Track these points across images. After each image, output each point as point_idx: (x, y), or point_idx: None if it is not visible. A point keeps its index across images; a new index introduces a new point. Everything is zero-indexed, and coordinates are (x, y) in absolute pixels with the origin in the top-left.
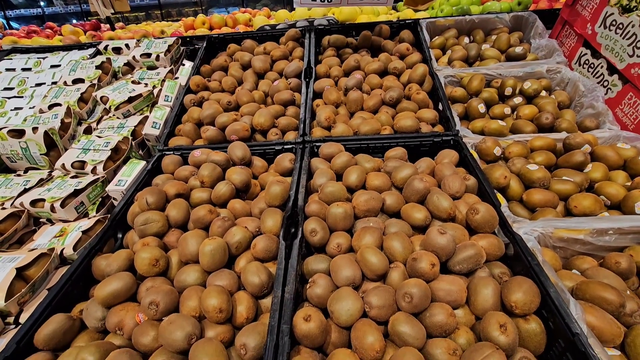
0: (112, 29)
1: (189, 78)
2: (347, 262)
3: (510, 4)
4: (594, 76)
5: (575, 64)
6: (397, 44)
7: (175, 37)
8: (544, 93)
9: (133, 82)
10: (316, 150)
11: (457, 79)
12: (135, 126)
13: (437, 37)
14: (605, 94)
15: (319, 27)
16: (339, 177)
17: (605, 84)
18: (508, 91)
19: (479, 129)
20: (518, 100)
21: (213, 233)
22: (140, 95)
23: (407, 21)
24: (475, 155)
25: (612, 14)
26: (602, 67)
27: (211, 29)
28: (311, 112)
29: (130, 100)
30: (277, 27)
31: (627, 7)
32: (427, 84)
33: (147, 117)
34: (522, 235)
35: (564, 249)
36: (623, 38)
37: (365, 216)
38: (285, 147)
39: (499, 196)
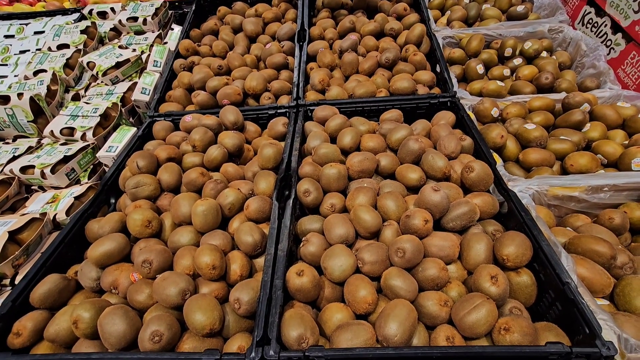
0: None
1: (178, 42)
2: (340, 221)
3: None
4: (597, 36)
5: (579, 23)
6: (394, 4)
7: (163, 0)
8: (544, 54)
9: (120, 47)
10: (310, 114)
11: (456, 40)
12: (124, 92)
13: None
14: (608, 54)
15: None
16: (333, 139)
17: (609, 43)
18: (508, 52)
19: (477, 91)
20: (518, 61)
21: (205, 195)
22: (128, 60)
23: None
24: (473, 116)
25: None
26: (605, 25)
27: None
28: (305, 76)
29: (118, 65)
30: None
31: None
32: (424, 45)
33: (136, 84)
34: (517, 192)
35: (559, 208)
36: None
37: (359, 177)
38: (279, 111)
39: (495, 155)
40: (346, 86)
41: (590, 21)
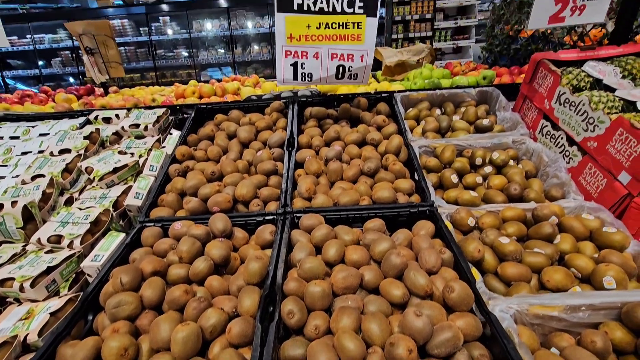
0: (106, 93)
1: (176, 147)
2: (323, 349)
3: (477, 78)
4: (556, 146)
5: (539, 133)
6: (374, 115)
7: (165, 108)
8: (512, 162)
9: (120, 152)
10: (297, 221)
11: (430, 149)
12: (118, 196)
13: (411, 109)
14: (568, 163)
15: (302, 98)
16: (318, 249)
17: (567, 154)
18: (478, 161)
19: (453, 199)
20: (488, 169)
21: (188, 315)
22: (125, 165)
23: (383, 94)
24: (450, 226)
25: (565, 92)
26: (562, 138)
27: (201, 97)
28: (293, 182)
29: (115, 170)
30: (263, 97)
31: (577, 87)
32: (402, 154)
33: (130, 187)
34: (497, 313)
35: (542, 326)
36: (577, 114)
37: (343, 293)
38: (267, 218)
39: (474, 271)
40: (331, 193)
41: (549, 133)
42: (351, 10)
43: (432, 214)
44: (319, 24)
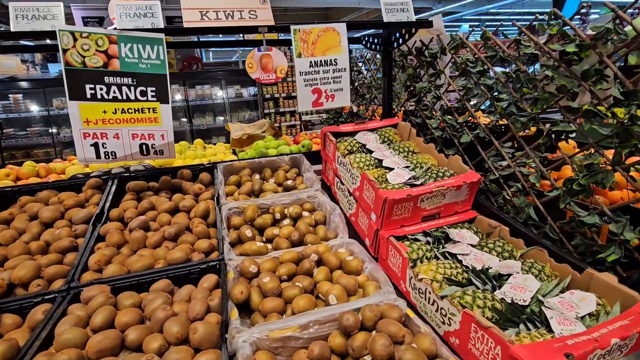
0: None
1: None
2: None
3: (298, 147)
4: (344, 197)
5: (337, 189)
6: (195, 184)
7: None
8: (306, 214)
9: None
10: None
11: (240, 209)
12: None
13: (232, 175)
14: (350, 209)
15: (122, 174)
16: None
17: (350, 202)
18: (277, 215)
19: (246, 251)
20: (286, 222)
21: None
22: None
23: (207, 165)
24: (233, 275)
25: (339, 156)
26: (346, 190)
27: (18, 179)
28: (88, 256)
29: None
30: (91, 175)
31: (351, 151)
32: (212, 216)
33: None
34: (240, 343)
35: (286, 347)
36: (347, 172)
37: (99, 357)
38: (46, 297)
39: (234, 311)
40: (128, 261)
41: (340, 187)
42: (144, 98)
43: (222, 267)
44: (115, 109)
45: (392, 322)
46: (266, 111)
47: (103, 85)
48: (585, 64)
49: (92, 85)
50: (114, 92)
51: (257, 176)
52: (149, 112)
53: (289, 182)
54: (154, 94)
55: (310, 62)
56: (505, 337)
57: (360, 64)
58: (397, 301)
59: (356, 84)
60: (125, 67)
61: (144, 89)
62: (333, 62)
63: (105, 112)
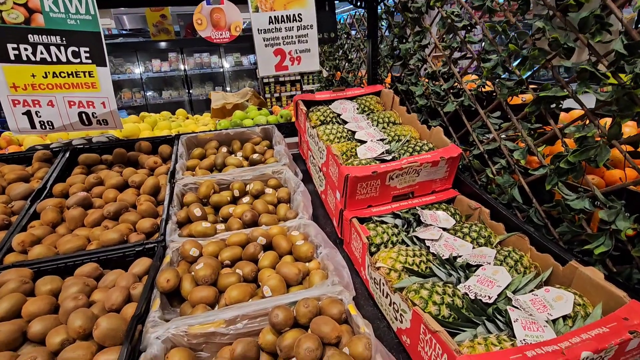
0: None
1: None
2: None
3: (276, 117)
4: (316, 172)
5: (311, 163)
6: (151, 157)
7: None
8: (270, 191)
9: None
10: None
11: (197, 185)
12: None
13: (196, 148)
14: (321, 186)
15: (79, 146)
16: None
17: (321, 178)
18: (236, 193)
19: (191, 233)
20: (246, 199)
21: None
22: None
23: (167, 137)
24: (169, 259)
25: (309, 127)
26: (317, 165)
27: None
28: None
29: None
30: (51, 146)
31: (324, 121)
32: (162, 193)
33: None
34: (153, 340)
35: (210, 343)
36: (315, 145)
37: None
38: None
39: (157, 301)
40: (59, 242)
41: (312, 161)
42: (78, 60)
43: (158, 250)
44: (45, 73)
45: (327, 321)
46: (265, 81)
47: (27, 44)
48: (584, 10)
49: (15, 45)
50: (42, 53)
51: (224, 149)
52: (85, 76)
53: (255, 156)
54: (88, 55)
55: (270, 17)
56: (452, 344)
57: (349, 27)
58: (341, 294)
59: (345, 47)
60: (51, 23)
61: (76, 49)
62: (297, 18)
63: (34, 75)
